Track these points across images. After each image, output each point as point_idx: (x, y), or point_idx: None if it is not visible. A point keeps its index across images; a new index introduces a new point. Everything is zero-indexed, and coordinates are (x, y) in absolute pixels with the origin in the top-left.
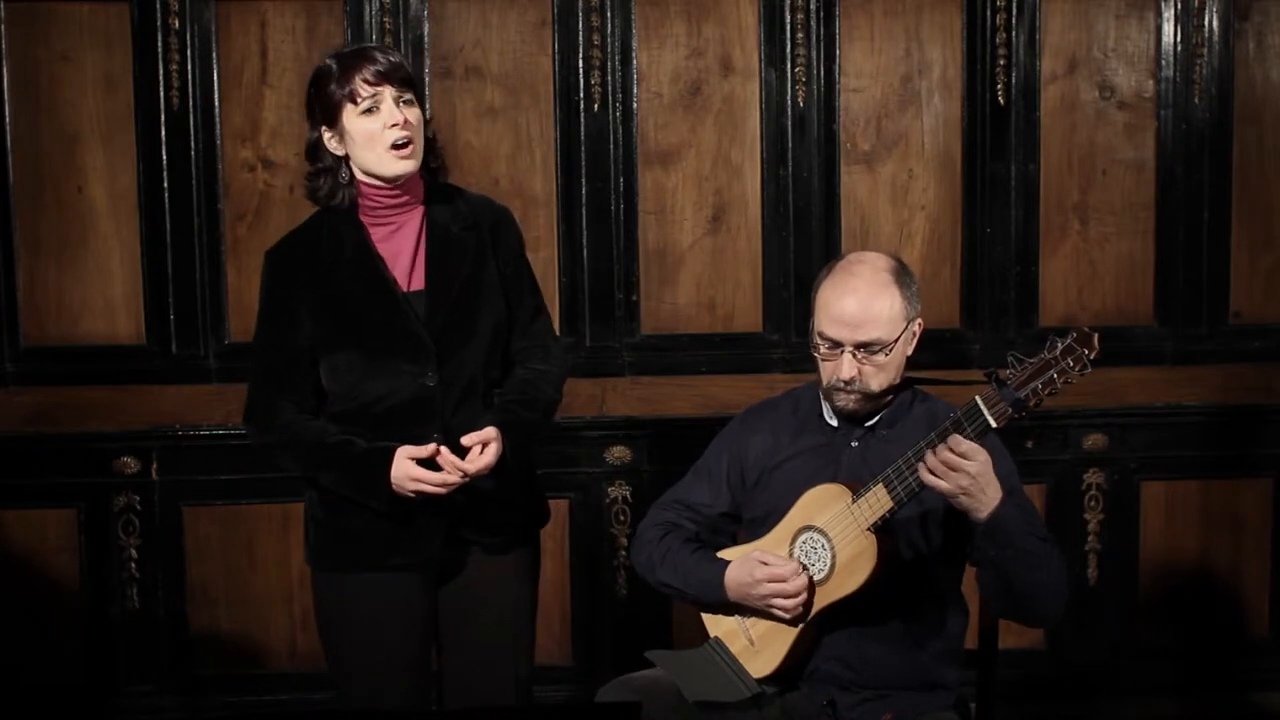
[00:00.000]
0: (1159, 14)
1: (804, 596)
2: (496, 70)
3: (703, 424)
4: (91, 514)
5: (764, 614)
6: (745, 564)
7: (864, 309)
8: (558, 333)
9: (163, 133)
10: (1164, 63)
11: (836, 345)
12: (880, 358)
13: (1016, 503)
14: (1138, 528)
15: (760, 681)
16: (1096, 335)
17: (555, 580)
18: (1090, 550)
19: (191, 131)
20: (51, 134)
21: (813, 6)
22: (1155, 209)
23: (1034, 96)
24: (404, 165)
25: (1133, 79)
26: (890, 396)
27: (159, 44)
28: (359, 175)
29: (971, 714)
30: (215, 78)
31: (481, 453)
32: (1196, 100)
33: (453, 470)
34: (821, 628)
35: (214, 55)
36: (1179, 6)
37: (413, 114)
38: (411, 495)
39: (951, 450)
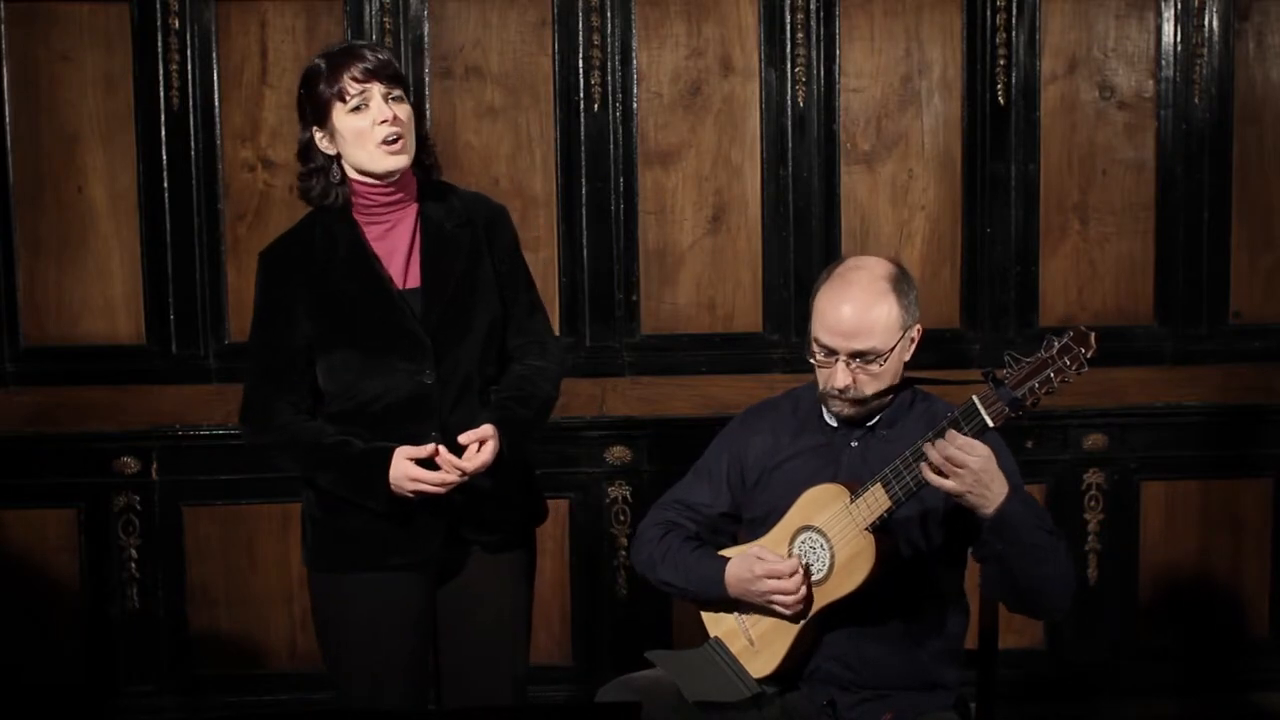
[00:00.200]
0: (1159, 14)
1: (803, 593)
2: (496, 70)
3: (703, 424)
4: (91, 514)
5: (764, 613)
6: (745, 560)
7: (859, 318)
8: (557, 332)
9: (163, 133)
10: (1164, 63)
11: (831, 353)
12: (875, 367)
13: (1022, 497)
14: (1138, 528)
15: (760, 681)
16: (1093, 334)
17: (555, 580)
18: (1090, 550)
19: (191, 131)
20: (51, 134)
21: (813, 6)
22: (1155, 209)
23: (1034, 96)
24: (395, 161)
25: (1133, 79)
26: (890, 397)
27: (159, 44)
28: (351, 174)
29: (971, 714)
30: (215, 78)
31: (479, 450)
32: (1196, 100)
33: (451, 469)
34: (821, 628)
35: (214, 55)
36: (1179, 6)
37: (402, 110)
38: (410, 495)
39: (952, 446)
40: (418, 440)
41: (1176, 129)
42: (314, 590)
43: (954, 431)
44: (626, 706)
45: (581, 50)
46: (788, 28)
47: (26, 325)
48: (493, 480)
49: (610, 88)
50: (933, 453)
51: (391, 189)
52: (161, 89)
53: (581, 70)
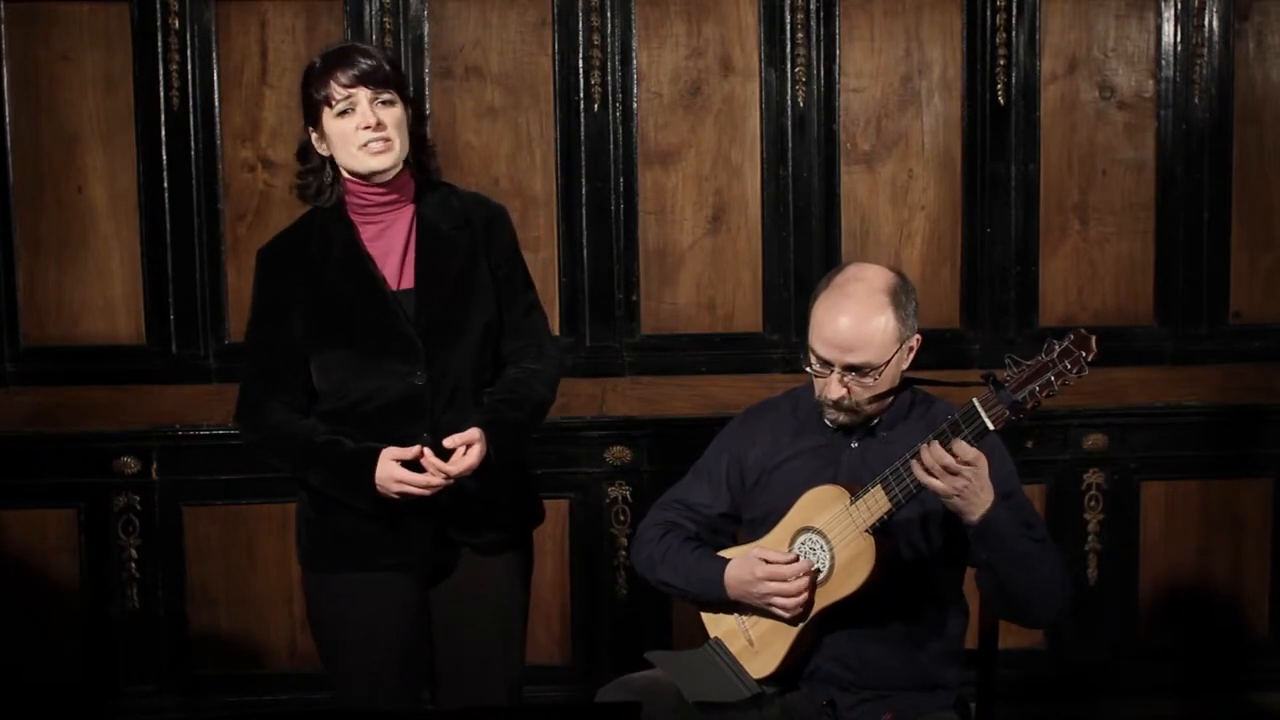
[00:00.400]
0: (1159, 14)
1: (804, 595)
2: (496, 70)
3: (703, 424)
4: (91, 514)
5: (764, 614)
6: (746, 562)
7: (855, 332)
8: (557, 332)
9: (163, 133)
10: (1164, 63)
11: (827, 365)
12: (870, 380)
13: (1014, 504)
14: (1138, 528)
15: (760, 682)
16: (1094, 338)
17: (555, 580)
18: (1090, 550)
19: (191, 131)
20: (51, 134)
21: (813, 6)
22: (1155, 209)
23: (1034, 96)
24: (376, 161)
25: (1133, 79)
26: (890, 398)
27: (159, 44)
28: (345, 174)
29: (971, 714)
30: (215, 78)
31: (465, 454)
32: (1196, 100)
33: (435, 472)
34: (821, 628)
35: (214, 55)
36: (1179, 6)
37: (389, 114)
38: (396, 497)
39: (950, 453)
40: (409, 441)
41: (1176, 129)
42: (308, 590)
43: (959, 441)
44: (626, 706)
45: (581, 50)
46: (788, 28)
47: (26, 325)
48: (480, 483)
49: (610, 88)
50: (926, 454)
51: (383, 190)
52: (161, 89)
53: (581, 70)
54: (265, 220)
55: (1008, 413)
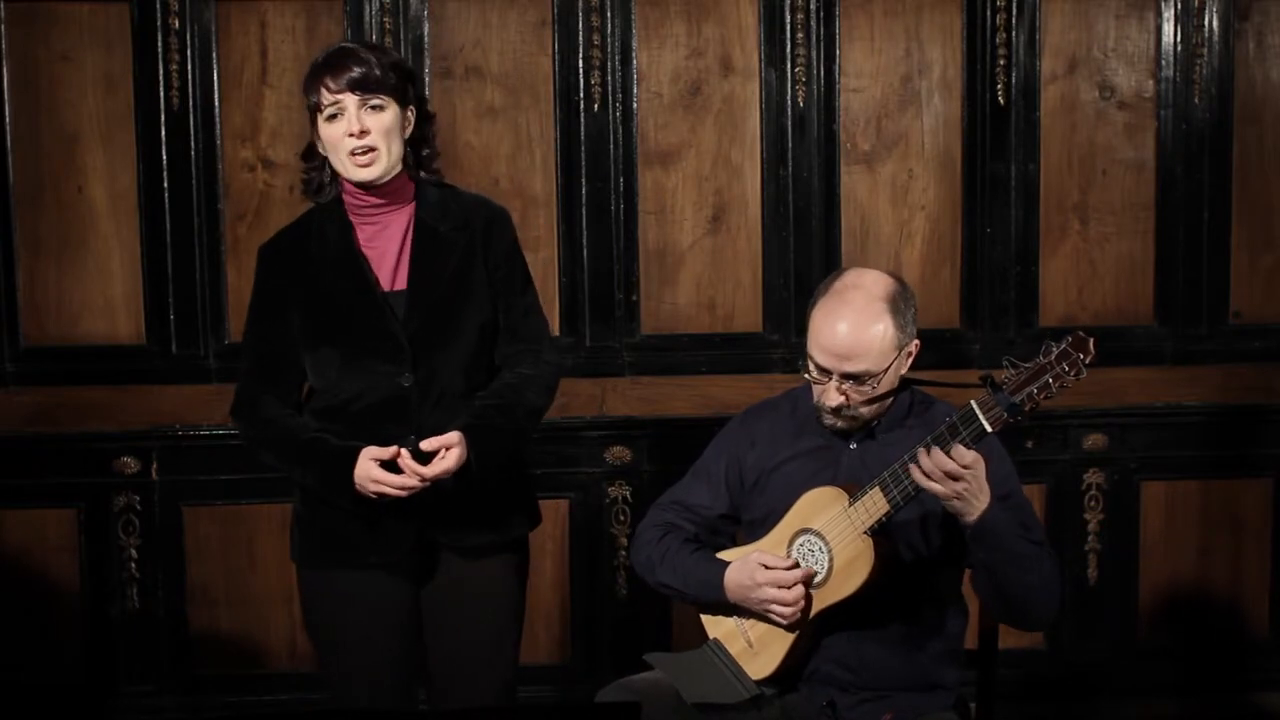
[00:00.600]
0: (1159, 14)
1: (803, 602)
2: (496, 70)
3: (703, 424)
4: (91, 514)
5: (763, 615)
6: (745, 565)
7: (853, 341)
8: (557, 332)
9: (163, 133)
10: (1164, 63)
11: (825, 372)
12: (868, 388)
13: (1012, 505)
14: (1138, 528)
15: (759, 683)
16: (1092, 340)
17: (555, 580)
18: (1090, 550)
19: (191, 131)
20: (51, 134)
21: (813, 6)
22: (1155, 209)
23: (1034, 96)
24: (363, 173)
25: (1133, 79)
26: (889, 400)
27: (159, 44)
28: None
29: (971, 714)
30: (215, 78)
31: (443, 457)
32: (1196, 100)
33: (411, 474)
34: (820, 629)
35: (214, 55)
36: (1179, 6)
37: (378, 120)
38: (373, 496)
39: (948, 457)
40: (395, 442)
41: (1176, 129)
42: (300, 586)
43: (958, 446)
44: (626, 706)
45: (581, 50)
46: (788, 28)
47: (26, 325)
48: (462, 487)
49: (610, 88)
50: (924, 459)
51: (377, 194)
52: (161, 89)
53: (581, 70)
54: (265, 220)
55: (1006, 415)
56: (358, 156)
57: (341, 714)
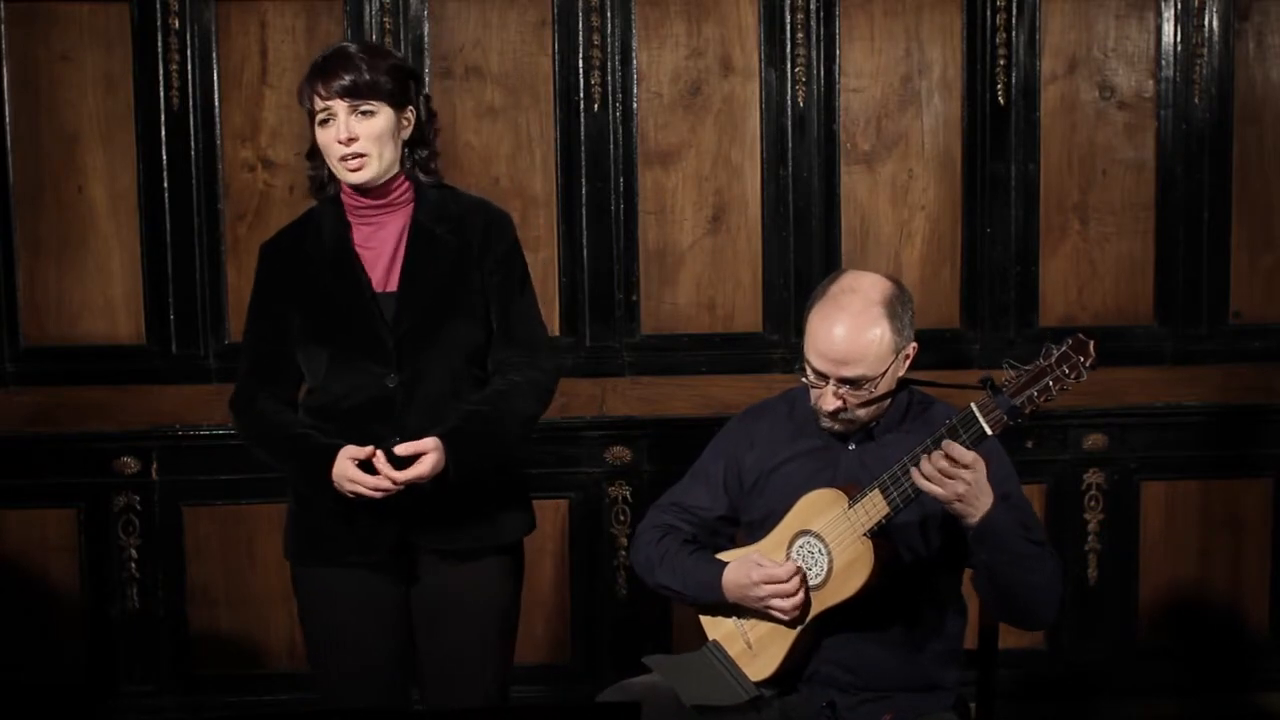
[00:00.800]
0: (1159, 14)
1: (801, 598)
2: (496, 70)
3: (703, 424)
4: (91, 514)
5: (762, 616)
6: (743, 565)
7: (849, 346)
8: (557, 332)
9: (163, 133)
10: (1164, 63)
11: (822, 376)
12: (865, 392)
13: (1011, 505)
14: (1138, 528)
15: (759, 684)
16: (1092, 343)
17: (555, 580)
18: (1090, 550)
19: (191, 131)
20: (51, 134)
21: (813, 6)
22: (1155, 209)
23: (1034, 96)
24: (354, 178)
25: (1133, 79)
26: (887, 401)
27: (159, 44)
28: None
29: (971, 714)
30: (215, 78)
31: (419, 463)
32: (1196, 100)
33: (384, 477)
34: (820, 630)
35: (214, 55)
36: (1179, 6)
37: (368, 126)
38: (350, 495)
39: (949, 458)
40: (381, 442)
41: (1176, 129)
42: (293, 582)
43: (957, 446)
44: (627, 707)
45: (581, 50)
46: (788, 28)
47: (26, 325)
48: (439, 492)
49: (610, 88)
50: (925, 463)
51: (372, 197)
52: (161, 89)
53: (581, 70)
54: (265, 220)
55: (1005, 418)
56: (347, 162)
57: (341, 714)
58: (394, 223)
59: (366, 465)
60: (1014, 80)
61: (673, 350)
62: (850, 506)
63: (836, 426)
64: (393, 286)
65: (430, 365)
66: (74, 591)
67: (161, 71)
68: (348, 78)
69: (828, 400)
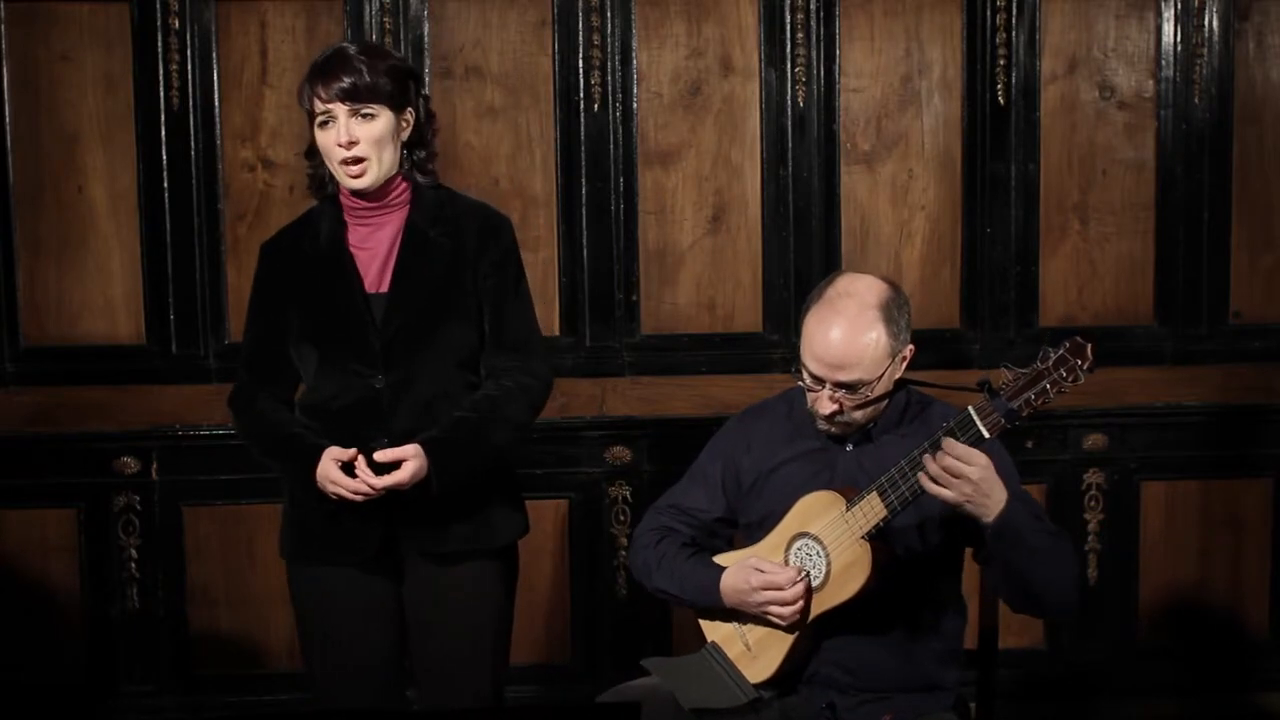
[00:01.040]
0: (1159, 14)
1: (800, 604)
2: (496, 70)
3: (703, 424)
4: (91, 514)
5: (761, 619)
6: (741, 570)
7: (845, 350)
8: (557, 332)
9: (163, 133)
10: (1164, 63)
11: (818, 380)
12: (861, 396)
13: (1019, 497)
14: (1138, 528)
15: (758, 686)
16: (1090, 345)
17: (555, 580)
18: (1090, 550)
19: (191, 131)
20: (51, 134)
21: (813, 6)
22: (1155, 209)
23: (1034, 96)
24: (354, 183)
25: (1133, 79)
26: (884, 402)
27: (159, 44)
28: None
29: (971, 714)
30: (215, 78)
31: (398, 469)
32: (1196, 100)
33: (363, 482)
34: (819, 632)
35: (214, 55)
36: (1179, 6)
37: (368, 130)
38: (332, 496)
39: (950, 455)
40: (369, 443)
41: (1176, 129)
42: (287, 580)
43: (951, 441)
44: (627, 707)
45: (581, 50)
46: (788, 28)
47: (26, 325)
48: (422, 498)
49: (610, 88)
50: (931, 464)
51: (368, 199)
52: (161, 89)
53: (581, 70)
54: (265, 220)
55: (1003, 420)
56: (348, 166)
57: (340, 714)
58: (390, 224)
59: (350, 467)
60: (1014, 80)
61: (673, 350)
62: (848, 509)
63: (833, 429)
64: (385, 287)
65: (421, 367)
66: (74, 591)
67: (161, 71)
68: (347, 80)
69: (824, 404)
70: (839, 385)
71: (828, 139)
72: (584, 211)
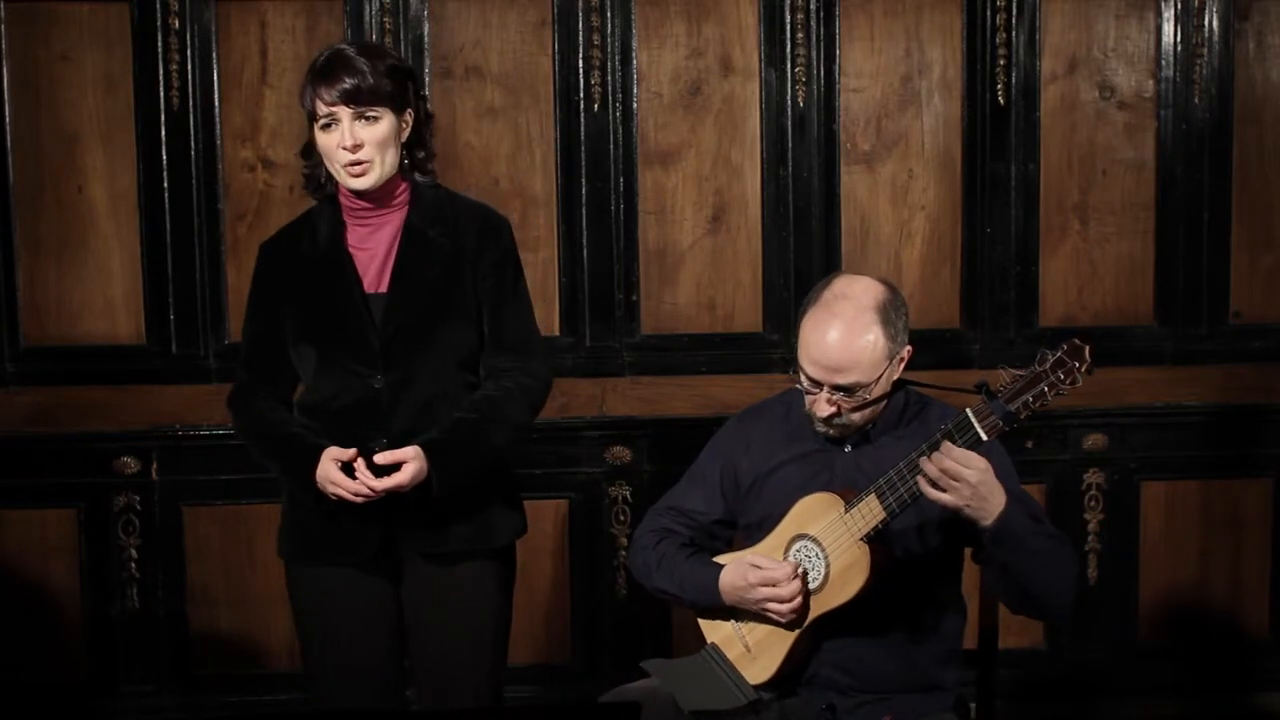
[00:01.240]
0: (1159, 14)
1: (799, 600)
2: (496, 70)
3: (703, 424)
4: (91, 514)
5: (761, 620)
6: (739, 567)
7: (842, 353)
8: (557, 332)
9: (163, 133)
10: (1164, 63)
11: (816, 384)
12: (859, 398)
13: (1018, 498)
14: (1138, 528)
15: (757, 688)
16: (1088, 348)
17: (555, 580)
18: (1090, 550)
19: (191, 131)
20: (51, 134)
21: (813, 6)
22: (1155, 209)
23: (1034, 96)
24: (357, 184)
25: (1133, 79)
26: (882, 404)
27: (159, 44)
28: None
29: (971, 714)
30: (215, 78)
31: (398, 471)
32: (1196, 100)
33: (362, 483)
34: (818, 633)
35: (214, 55)
36: (1179, 6)
37: (372, 132)
38: (332, 497)
39: (949, 459)
40: (368, 443)
41: (1176, 129)
42: (286, 580)
43: (950, 444)
44: (627, 707)
45: (581, 50)
46: (788, 28)
47: (26, 325)
48: (422, 499)
49: (610, 88)
50: (929, 467)
51: (368, 200)
52: (161, 89)
53: (581, 70)
54: (265, 220)
55: (1001, 423)
56: (351, 168)
57: (340, 714)
58: (389, 224)
59: (350, 468)
60: (1014, 80)
61: (673, 350)
62: (847, 511)
63: (831, 431)
64: (384, 288)
65: (420, 368)
66: (74, 591)
67: (161, 71)
68: (350, 82)
69: (822, 406)
70: (837, 388)
71: (828, 139)
72: (584, 211)
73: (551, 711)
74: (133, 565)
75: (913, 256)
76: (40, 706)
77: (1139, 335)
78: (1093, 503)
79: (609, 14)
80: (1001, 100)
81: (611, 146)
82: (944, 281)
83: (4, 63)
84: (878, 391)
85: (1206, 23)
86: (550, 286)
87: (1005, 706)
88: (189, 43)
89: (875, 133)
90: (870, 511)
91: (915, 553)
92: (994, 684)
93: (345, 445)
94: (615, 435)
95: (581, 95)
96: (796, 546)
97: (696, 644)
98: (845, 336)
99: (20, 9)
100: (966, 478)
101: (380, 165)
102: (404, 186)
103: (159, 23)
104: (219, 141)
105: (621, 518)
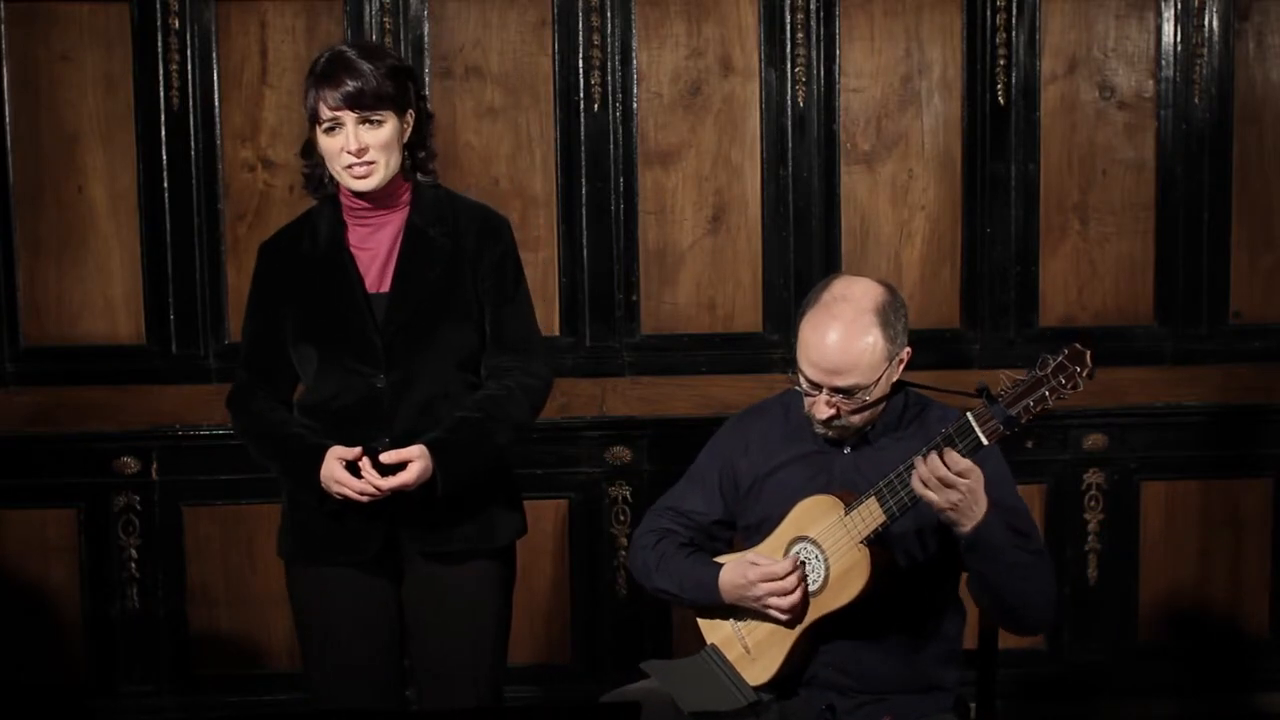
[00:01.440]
0: (1159, 14)
1: (799, 596)
2: (496, 70)
3: (703, 424)
4: (91, 514)
5: (760, 620)
6: (739, 565)
7: (841, 356)
8: (557, 332)
9: (163, 133)
10: (1164, 63)
11: (815, 385)
12: (858, 400)
13: (1006, 509)
14: (1138, 528)
15: (757, 689)
16: (1089, 352)
17: (555, 580)
18: (1090, 550)
19: (191, 131)
20: (51, 134)
21: (813, 6)
22: (1155, 209)
23: (1034, 96)
24: (360, 185)
25: (1133, 79)
26: (881, 405)
27: (159, 44)
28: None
29: (971, 715)
30: (215, 78)
31: (404, 470)
32: (1196, 100)
33: (368, 483)
34: (818, 634)
35: (214, 55)
36: (1179, 6)
37: (376, 135)
38: (337, 496)
39: (947, 467)
40: (371, 442)
41: (1176, 129)
42: (286, 580)
43: (954, 455)
44: (627, 707)
45: (581, 50)
46: (788, 28)
47: (26, 325)
48: (427, 498)
49: (610, 88)
50: (923, 468)
51: (370, 200)
52: (161, 89)
53: (581, 70)
54: (265, 220)
55: (1001, 427)
56: (355, 170)
57: (340, 714)
58: (390, 224)
59: (354, 467)
60: (1014, 80)
61: (673, 350)
62: (846, 513)
63: (830, 433)
64: (385, 287)
65: (422, 367)
66: (74, 591)
67: (161, 71)
68: (353, 86)
69: (821, 408)
70: (836, 390)
71: (828, 139)
72: (584, 211)
73: (551, 711)
74: (133, 565)
75: (913, 256)
76: (40, 706)
77: (1139, 335)
78: (1093, 503)
79: (609, 14)
80: (1001, 100)
81: (611, 146)
82: (944, 281)
83: (4, 63)
84: (877, 393)
85: (1206, 23)
86: (550, 286)
87: (1005, 706)
88: (189, 43)
89: (875, 133)
90: (870, 514)
91: (915, 555)
92: (994, 684)
93: (347, 445)
94: (615, 435)
95: (581, 95)
96: (796, 549)
97: (696, 644)
98: (844, 338)
99: (20, 9)
100: (958, 485)
101: (384, 167)
102: (406, 186)
103: (159, 23)
104: (219, 141)
105: (621, 518)
